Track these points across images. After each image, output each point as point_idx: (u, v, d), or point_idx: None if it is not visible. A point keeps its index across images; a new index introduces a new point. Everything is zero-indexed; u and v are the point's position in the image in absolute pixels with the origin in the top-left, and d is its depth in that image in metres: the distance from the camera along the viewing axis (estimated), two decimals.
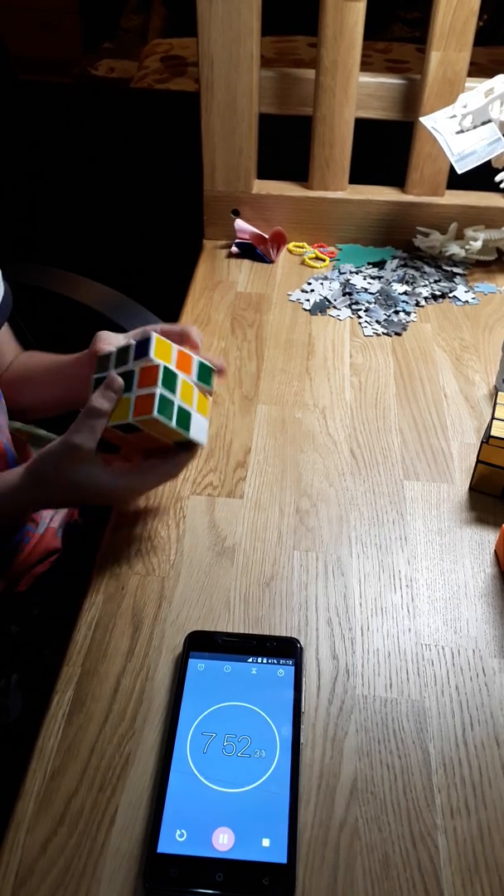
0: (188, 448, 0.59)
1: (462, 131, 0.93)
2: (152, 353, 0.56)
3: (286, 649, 0.53)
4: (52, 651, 0.72)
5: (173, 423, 0.55)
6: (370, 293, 0.98)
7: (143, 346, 0.57)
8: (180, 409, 0.56)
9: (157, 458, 0.58)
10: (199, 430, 0.58)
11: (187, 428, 0.57)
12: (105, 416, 0.55)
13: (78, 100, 1.95)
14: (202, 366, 0.60)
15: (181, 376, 0.57)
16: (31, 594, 0.74)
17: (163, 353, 0.57)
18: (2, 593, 0.73)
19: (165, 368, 0.56)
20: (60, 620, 0.74)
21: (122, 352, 0.58)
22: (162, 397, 0.55)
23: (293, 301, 0.97)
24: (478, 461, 0.67)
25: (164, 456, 0.58)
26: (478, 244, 1.02)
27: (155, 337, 0.57)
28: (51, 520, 0.79)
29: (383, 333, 0.91)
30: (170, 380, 0.56)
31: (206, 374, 0.60)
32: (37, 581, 0.75)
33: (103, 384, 0.56)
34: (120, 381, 0.56)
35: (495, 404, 0.68)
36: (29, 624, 0.73)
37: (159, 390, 0.55)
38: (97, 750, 0.49)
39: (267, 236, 1.05)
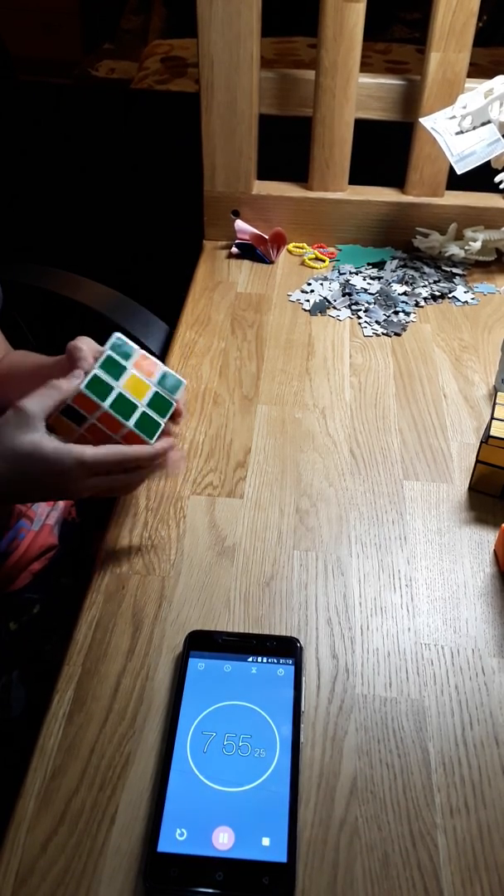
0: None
1: (462, 132, 0.93)
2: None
3: (286, 649, 0.53)
4: (53, 646, 0.72)
5: (105, 405, 0.55)
6: (370, 294, 0.98)
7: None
8: (120, 396, 0.57)
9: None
10: (145, 425, 0.57)
11: (127, 417, 0.56)
12: (60, 391, 0.55)
13: (78, 101, 1.96)
14: (167, 375, 0.60)
15: (135, 373, 0.58)
16: (29, 592, 0.75)
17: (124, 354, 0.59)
18: None
19: (108, 357, 0.57)
20: (60, 617, 0.74)
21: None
22: (95, 377, 0.56)
23: (293, 301, 0.98)
24: (477, 461, 0.68)
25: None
26: (477, 245, 1.02)
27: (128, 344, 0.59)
28: (47, 517, 0.79)
29: (383, 334, 0.91)
30: (112, 367, 0.57)
31: (171, 384, 0.60)
32: (35, 578, 0.76)
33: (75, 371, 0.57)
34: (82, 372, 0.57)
35: (494, 404, 0.68)
36: (29, 622, 0.73)
37: (95, 370, 0.56)
38: (97, 749, 0.49)
39: (267, 237, 1.05)
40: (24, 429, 0.53)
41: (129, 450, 0.55)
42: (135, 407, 0.57)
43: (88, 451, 0.54)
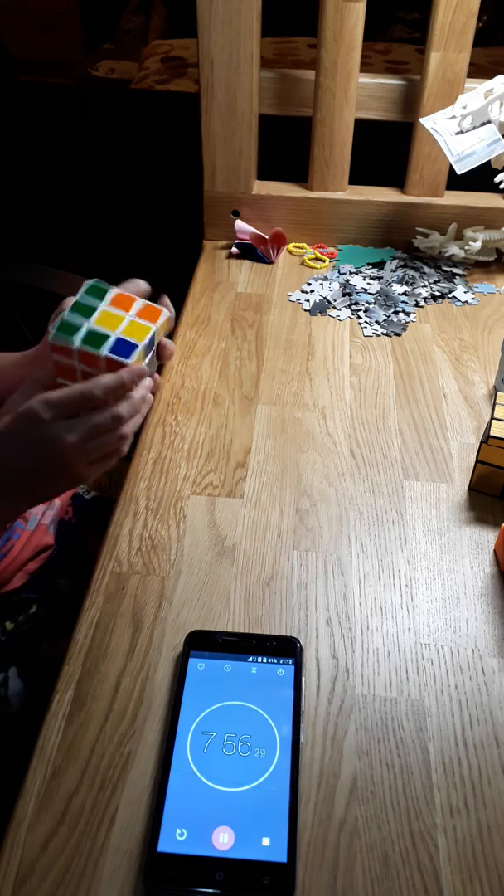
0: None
1: (462, 132, 0.93)
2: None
3: (286, 649, 0.53)
4: (50, 643, 0.72)
5: (77, 342, 0.56)
6: (370, 294, 0.98)
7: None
8: (90, 332, 0.57)
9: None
10: (120, 348, 0.57)
11: (99, 347, 0.56)
12: (38, 383, 0.58)
13: (78, 101, 1.96)
14: (144, 304, 0.61)
15: (108, 309, 0.58)
16: (26, 591, 0.75)
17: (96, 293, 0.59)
18: None
19: (77, 302, 0.58)
20: (58, 617, 0.74)
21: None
22: (62, 322, 0.56)
23: (293, 301, 0.98)
24: (477, 461, 0.68)
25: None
26: (477, 245, 1.02)
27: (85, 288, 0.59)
28: (42, 516, 0.79)
29: (383, 334, 0.91)
30: (83, 309, 0.58)
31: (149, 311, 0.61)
32: (31, 578, 0.76)
33: None
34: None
35: (494, 404, 0.68)
36: (26, 621, 0.73)
37: (62, 316, 0.57)
38: (97, 749, 0.49)
39: (267, 237, 1.05)
40: (6, 415, 0.55)
41: (88, 383, 0.55)
42: (107, 337, 0.57)
43: (50, 392, 0.54)
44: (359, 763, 0.49)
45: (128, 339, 0.57)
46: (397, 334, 0.91)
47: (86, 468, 0.57)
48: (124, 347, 0.57)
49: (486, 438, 0.66)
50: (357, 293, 0.98)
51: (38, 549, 0.77)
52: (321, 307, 0.96)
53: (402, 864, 0.44)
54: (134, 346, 0.57)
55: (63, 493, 0.61)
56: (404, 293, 0.99)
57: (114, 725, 0.50)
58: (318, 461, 0.73)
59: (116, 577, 0.60)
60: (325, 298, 0.97)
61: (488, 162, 0.94)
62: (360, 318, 0.94)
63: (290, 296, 0.99)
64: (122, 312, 0.59)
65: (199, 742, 0.48)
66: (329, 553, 0.63)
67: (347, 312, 0.95)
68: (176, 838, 0.44)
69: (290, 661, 0.52)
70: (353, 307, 0.96)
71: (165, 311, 0.60)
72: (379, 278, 1.01)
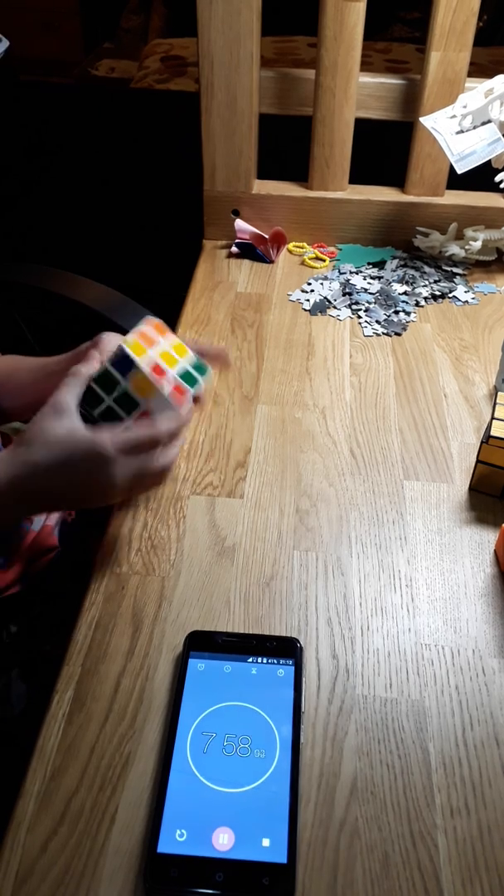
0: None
1: (462, 131, 0.93)
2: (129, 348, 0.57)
3: (286, 649, 0.53)
4: (53, 645, 0.72)
5: (176, 375, 0.57)
6: (370, 293, 0.98)
7: (122, 362, 0.57)
8: (186, 373, 0.58)
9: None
10: (189, 378, 0.58)
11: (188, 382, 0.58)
12: (83, 376, 0.56)
13: (78, 100, 1.95)
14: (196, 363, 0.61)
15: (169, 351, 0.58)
16: (30, 593, 0.75)
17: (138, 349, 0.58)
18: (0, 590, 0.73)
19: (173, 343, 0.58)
20: (61, 618, 0.74)
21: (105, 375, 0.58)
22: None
23: (293, 301, 0.97)
24: (477, 461, 0.68)
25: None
26: (477, 244, 1.02)
27: (130, 344, 0.57)
28: (47, 517, 0.79)
29: (383, 333, 0.91)
30: (109, 384, 0.57)
31: (198, 367, 0.61)
32: (36, 580, 0.75)
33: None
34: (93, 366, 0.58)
35: (495, 404, 0.68)
36: (29, 623, 0.73)
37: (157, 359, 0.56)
38: (97, 749, 0.49)
39: (267, 236, 1.05)
40: (59, 418, 0.54)
41: (154, 429, 0.56)
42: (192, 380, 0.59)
43: (118, 433, 0.55)
44: (359, 763, 0.49)
45: (192, 372, 0.59)
46: (397, 334, 0.91)
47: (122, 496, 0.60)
48: (189, 378, 0.59)
49: (487, 438, 0.66)
50: (357, 293, 0.98)
51: (43, 551, 0.77)
52: (321, 307, 0.96)
53: (402, 864, 0.44)
54: (196, 381, 0.59)
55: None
56: (404, 293, 0.98)
57: (114, 726, 0.50)
58: (318, 461, 0.72)
59: (116, 577, 0.60)
60: (325, 298, 0.97)
61: (488, 161, 0.94)
62: (360, 317, 0.94)
63: (290, 295, 0.98)
64: (175, 355, 0.59)
65: (199, 742, 0.48)
66: (329, 553, 0.63)
67: (347, 312, 0.95)
68: (176, 839, 0.44)
69: (290, 662, 0.52)
70: (354, 307, 0.96)
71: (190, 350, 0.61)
72: (379, 278, 1.01)
